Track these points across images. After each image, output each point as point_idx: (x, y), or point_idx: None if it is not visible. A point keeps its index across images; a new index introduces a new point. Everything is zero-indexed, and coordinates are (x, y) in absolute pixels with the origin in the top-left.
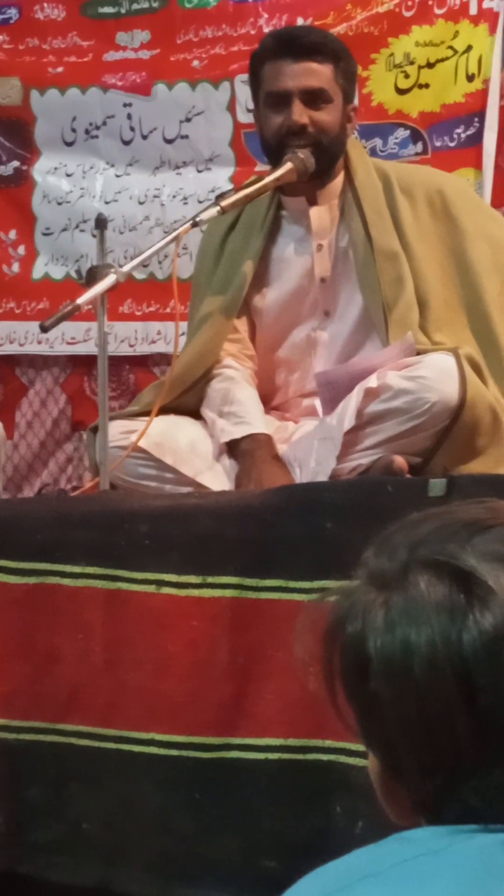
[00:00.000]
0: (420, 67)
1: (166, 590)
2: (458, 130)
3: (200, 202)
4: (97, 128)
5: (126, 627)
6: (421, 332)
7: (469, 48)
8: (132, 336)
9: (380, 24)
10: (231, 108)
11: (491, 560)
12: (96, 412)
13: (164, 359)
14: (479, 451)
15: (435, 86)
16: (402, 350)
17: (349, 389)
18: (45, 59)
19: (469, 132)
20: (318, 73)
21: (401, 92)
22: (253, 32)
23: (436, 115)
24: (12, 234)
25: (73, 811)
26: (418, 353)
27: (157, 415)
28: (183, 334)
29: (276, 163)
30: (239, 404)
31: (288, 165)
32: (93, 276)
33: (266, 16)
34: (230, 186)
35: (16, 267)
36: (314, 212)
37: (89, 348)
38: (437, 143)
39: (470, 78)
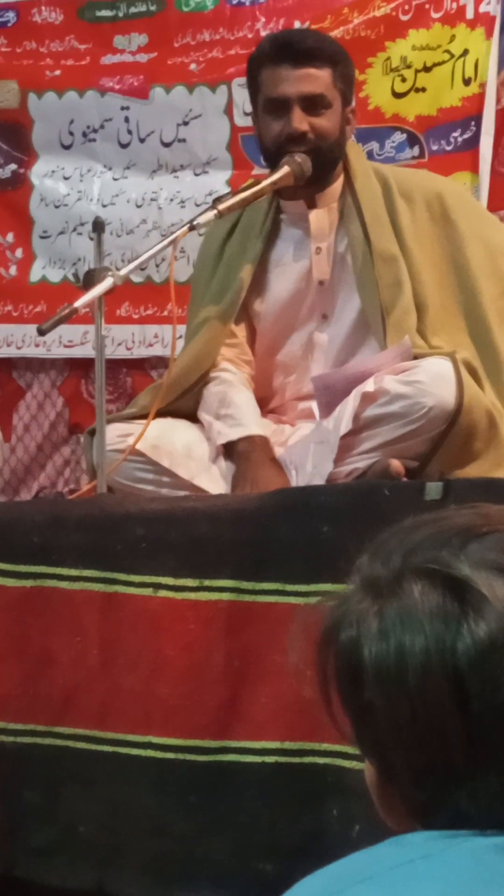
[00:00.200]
0: (417, 71)
1: (163, 593)
2: (455, 134)
3: (198, 206)
4: (94, 131)
5: (122, 630)
6: (418, 335)
7: (466, 52)
8: (129, 339)
9: (377, 27)
10: (228, 111)
11: (485, 568)
12: (93, 415)
13: (161, 362)
14: (475, 455)
15: (432, 90)
16: (399, 354)
17: (346, 393)
18: (43, 63)
19: (466, 136)
20: (317, 79)
21: (397, 96)
22: (250, 36)
23: (432, 119)
24: (10, 237)
25: (68, 814)
26: (415, 357)
27: (153, 418)
28: (180, 337)
29: (274, 167)
30: (235, 407)
31: (285, 169)
32: (90, 279)
33: (263, 19)
34: (227, 190)
35: (13, 270)
36: (313, 215)
37: (86, 351)
38: (434, 147)
39: (467, 82)
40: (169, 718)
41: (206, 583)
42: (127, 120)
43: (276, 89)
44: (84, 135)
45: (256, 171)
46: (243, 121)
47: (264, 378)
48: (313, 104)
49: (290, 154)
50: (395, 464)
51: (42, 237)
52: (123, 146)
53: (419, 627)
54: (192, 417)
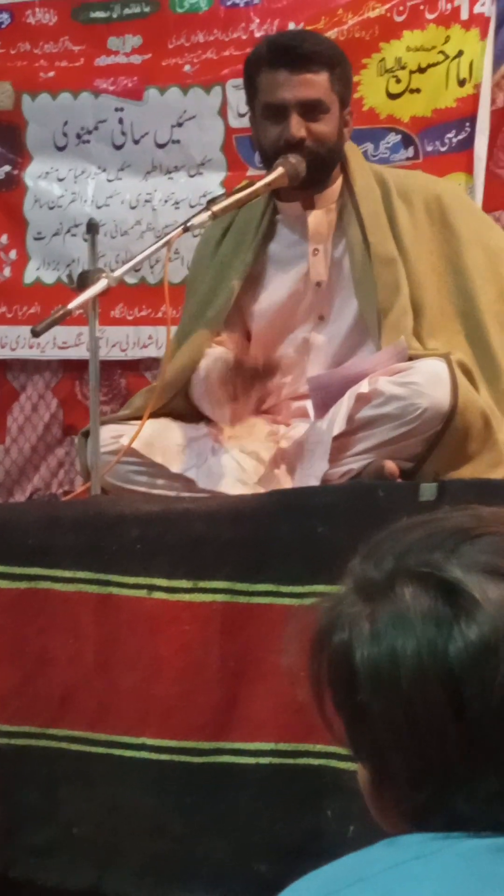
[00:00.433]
0: (411, 72)
1: (157, 594)
2: (450, 135)
3: (192, 207)
4: (89, 132)
5: (117, 632)
6: (415, 338)
7: (460, 53)
8: (123, 340)
9: (371, 28)
10: (222, 112)
11: (476, 571)
12: (88, 417)
13: (155, 363)
14: (470, 457)
15: (426, 90)
16: (395, 355)
17: (341, 394)
18: (37, 64)
19: (460, 137)
20: (315, 84)
21: (392, 97)
22: (244, 37)
23: (427, 120)
24: (4, 239)
25: (64, 815)
26: (410, 359)
27: (148, 418)
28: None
29: (270, 169)
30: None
31: (279, 170)
32: (84, 280)
33: (257, 21)
34: (222, 191)
35: (7, 271)
36: (311, 217)
37: (81, 353)
38: (429, 148)
39: (461, 83)
40: (164, 720)
41: (201, 584)
42: (121, 121)
43: (273, 95)
44: (78, 136)
45: (251, 172)
46: (238, 122)
47: None
48: (311, 109)
49: (285, 155)
50: (390, 465)
51: (36, 238)
52: (117, 147)
53: (411, 630)
54: (186, 418)
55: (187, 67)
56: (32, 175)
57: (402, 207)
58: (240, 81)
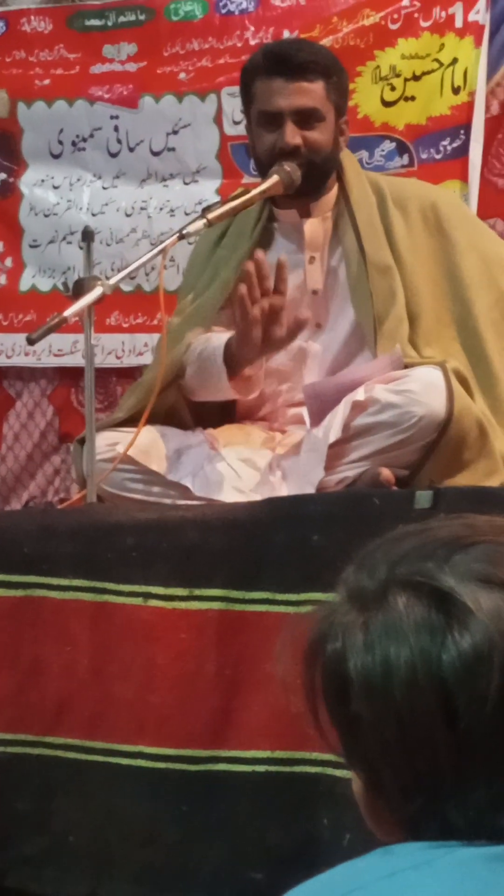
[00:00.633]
0: (406, 80)
1: (153, 602)
2: (444, 143)
3: (187, 214)
4: (84, 140)
5: (113, 640)
6: (411, 346)
7: (455, 61)
8: (119, 348)
9: (366, 36)
10: (218, 120)
11: (469, 580)
12: (83, 424)
13: None
14: (466, 465)
15: (421, 98)
16: (390, 363)
17: (337, 402)
18: (32, 72)
19: (455, 144)
20: (310, 93)
21: (387, 104)
22: (239, 45)
23: (422, 128)
24: None
25: (59, 824)
26: (406, 367)
27: (145, 423)
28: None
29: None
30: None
31: (274, 178)
32: (80, 288)
33: (252, 29)
34: (217, 199)
35: (3, 279)
36: (307, 225)
37: (76, 360)
38: (424, 156)
39: (456, 90)
40: (160, 728)
41: (197, 592)
42: (116, 129)
43: (269, 103)
44: (73, 144)
45: (246, 179)
46: (233, 130)
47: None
48: (306, 118)
49: (280, 163)
50: (386, 472)
51: (32, 246)
52: (113, 155)
53: (404, 640)
54: (182, 424)
55: (182, 75)
56: (28, 183)
57: (397, 215)
58: (235, 89)
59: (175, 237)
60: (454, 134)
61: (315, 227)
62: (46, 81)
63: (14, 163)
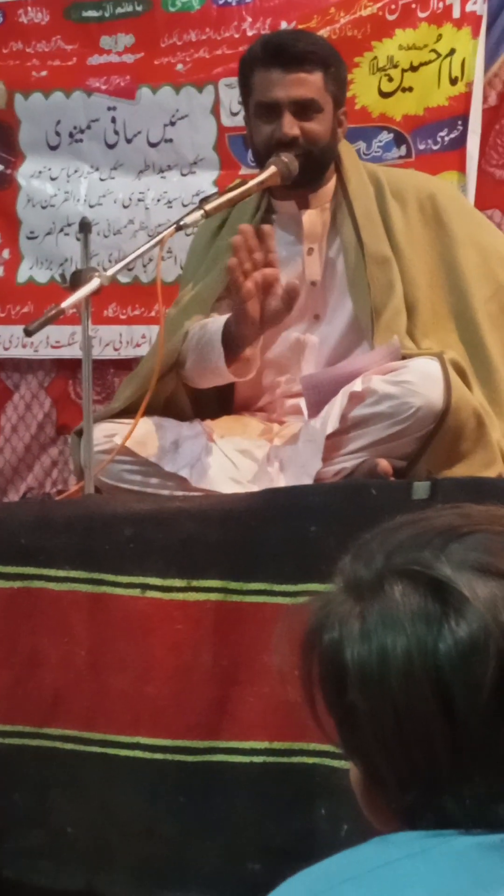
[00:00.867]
0: (403, 71)
1: (150, 593)
2: (442, 133)
3: (185, 206)
4: (81, 131)
5: (110, 631)
6: (408, 337)
7: (452, 51)
8: (117, 340)
9: (363, 27)
10: (215, 111)
11: (466, 568)
12: (81, 416)
13: None
14: (463, 455)
15: (418, 89)
16: (388, 354)
17: (334, 393)
18: (29, 63)
19: (453, 135)
20: (308, 84)
21: (384, 95)
22: (237, 36)
23: (419, 119)
24: None
25: (57, 815)
26: (404, 358)
27: (142, 414)
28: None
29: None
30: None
31: (272, 169)
32: (77, 279)
33: (250, 19)
34: (214, 190)
35: (0, 271)
36: (306, 216)
37: (74, 352)
38: (421, 147)
39: (453, 81)
40: (157, 719)
41: (194, 583)
42: (114, 120)
43: (266, 94)
44: (71, 135)
45: (244, 170)
46: (230, 121)
47: (255, 376)
48: (304, 109)
49: (277, 154)
50: (383, 463)
51: (29, 238)
52: (110, 147)
53: (401, 629)
54: (180, 415)
55: (180, 66)
56: (25, 174)
57: (395, 206)
58: (232, 80)
59: (172, 228)
60: (452, 125)
61: (313, 218)
62: (43, 73)
63: (11, 154)
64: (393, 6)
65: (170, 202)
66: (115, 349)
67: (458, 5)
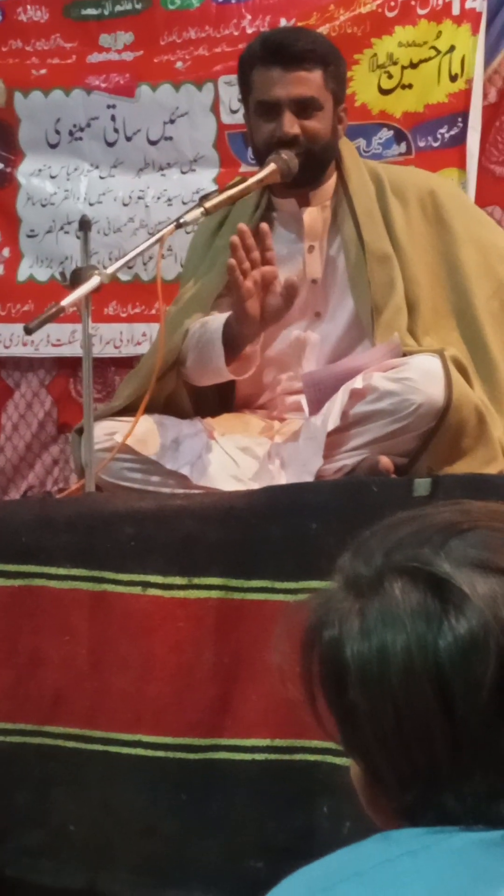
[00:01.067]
0: (403, 68)
1: (152, 591)
2: (442, 130)
3: (185, 203)
4: (81, 130)
5: (112, 629)
6: (409, 335)
7: (452, 48)
8: (117, 338)
9: (363, 24)
10: (215, 109)
11: (465, 565)
12: (82, 414)
13: None
14: (464, 452)
15: (418, 86)
16: (389, 351)
17: (335, 390)
18: (29, 61)
19: (453, 132)
20: (308, 82)
21: (384, 92)
22: (236, 34)
23: (419, 116)
24: None
25: (59, 813)
26: (405, 355)
27: (143, 412)
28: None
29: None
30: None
31: (271, 167)
32: (77, 277)
33: (249, 17)
34: (214, 187)
35: (0, 269)
36: (306, 214)
37: (74, 350)
38: (421, 144)
39: (453, 78)
40: (159, 717)
41: (196, 581)
42: (113, 118)
43: (266, 92)
44: (70, 133)
45: (243, 168)
46: (230, 118)
47: (255, 373)
48: (304, 107)
49: (277, 152)
50: (384, 460)
51: (29, 236)
52: (110, 145)
53: (401, 626)
54: (180, 412)
55: (179, 64)
56: (25, 172)
57: (396, 204)
58: (232, 78)
59: (172, 226)
60: (452, 122)
61: (314, 215)
62: (43, 71)
63: (11, 153)
64: (392, 3)
65: (170, 200)
66: (116, 347)
67: (457, 2)
